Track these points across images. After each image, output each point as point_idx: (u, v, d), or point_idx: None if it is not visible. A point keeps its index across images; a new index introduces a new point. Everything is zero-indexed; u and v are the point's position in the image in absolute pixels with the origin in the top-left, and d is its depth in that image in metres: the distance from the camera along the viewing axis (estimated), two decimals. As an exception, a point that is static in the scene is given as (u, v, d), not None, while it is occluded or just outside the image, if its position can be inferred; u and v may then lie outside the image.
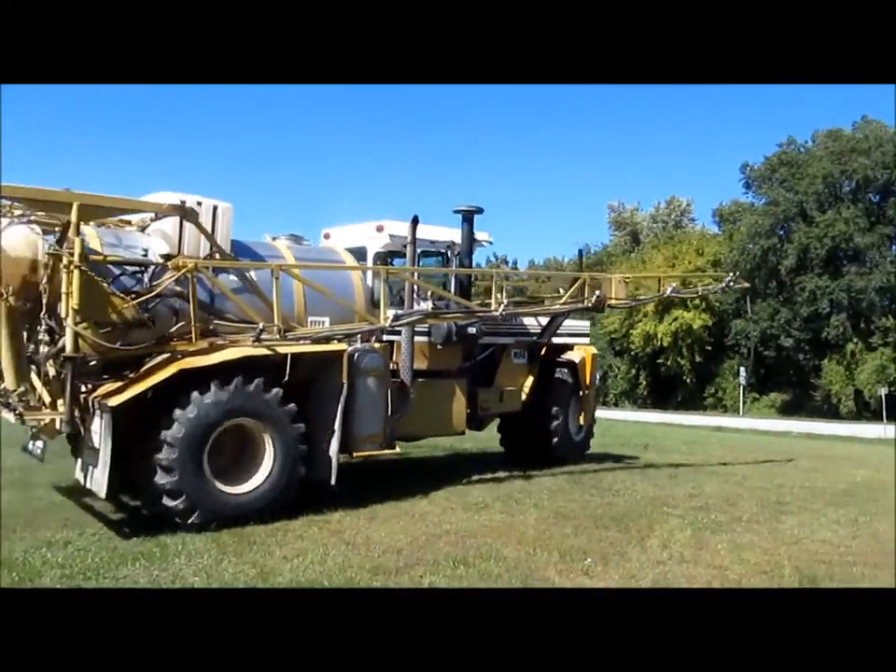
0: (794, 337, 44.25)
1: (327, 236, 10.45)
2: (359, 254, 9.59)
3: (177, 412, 7.05)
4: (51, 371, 7.02)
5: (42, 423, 6.87)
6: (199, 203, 7.75)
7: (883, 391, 33.84)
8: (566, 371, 11.55)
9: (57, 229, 7.09)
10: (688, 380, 47.20)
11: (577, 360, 11.63)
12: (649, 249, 55.81)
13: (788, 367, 47.23)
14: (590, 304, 11.23)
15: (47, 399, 6.94)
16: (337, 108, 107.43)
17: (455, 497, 8.27)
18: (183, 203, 7.60)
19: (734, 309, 44.36)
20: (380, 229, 9.89)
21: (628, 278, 12.75)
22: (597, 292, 11.30)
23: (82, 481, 7.34)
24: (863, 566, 5.96)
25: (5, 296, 6.79)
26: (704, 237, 54.38)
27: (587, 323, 13.42)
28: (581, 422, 11.58)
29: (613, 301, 11.69)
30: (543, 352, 11.41)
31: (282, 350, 7.80)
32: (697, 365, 47.22)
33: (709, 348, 47.15)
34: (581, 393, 11.57)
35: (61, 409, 6.78)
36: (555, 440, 11.03)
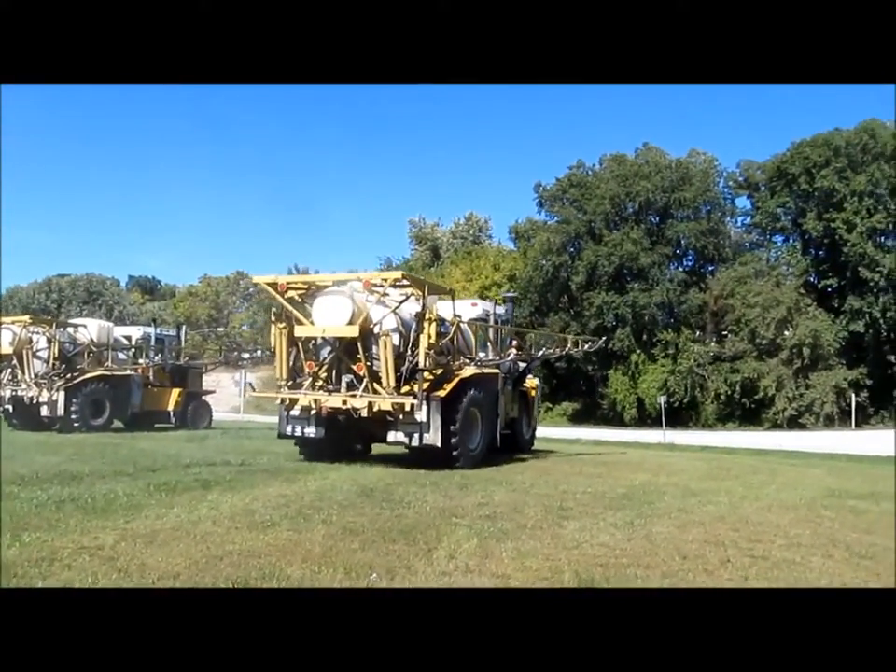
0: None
1: (474, 304, 16.52)
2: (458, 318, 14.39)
3: (461, 405, 12.93)
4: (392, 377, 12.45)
5: (395, 405, 12.29)
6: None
7: (662, 399, 36.15)
8: (524, 394, 17.17)
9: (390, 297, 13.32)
10: (486, 392, 48.37)
11: (529, 387, 17.61)
12: (448, 264, 56.92)
13: (578, 377, 49.62)
14: (564, 353, 20.70)
15: (390, 390, 12.43)
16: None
17: (241, 515, 7.90)
18: (451, 288, 15.41)
19: (528, 323, 46.06)
20: (474, 304, 16.33)
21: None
22: (567, 345, 19.98)
23: (409, 441, 12.62)
24: (637, 567, 6.16)
25: (390, 335, 12.33)
26: (500, 253, 56.13)
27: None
28: (529, 426, 17.73)
29: (572, 352, 21.35)
30: (518, 382, 16.72)
31: (486, 370, 14.41)
32: (494, 377, 48.46)
33: (506, 360, 48.49)
34: (530, 408, 17.66)
35: (406, 397, 12.41)
36: (522, 437, 16.97)
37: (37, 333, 21.99)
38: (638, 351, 46.69)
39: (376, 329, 12.64)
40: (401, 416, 12.43)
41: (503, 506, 8.92)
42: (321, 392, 13.06)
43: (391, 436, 12.80)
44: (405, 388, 12.63)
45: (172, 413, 24.70)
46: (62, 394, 21.01)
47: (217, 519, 7.73)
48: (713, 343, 48.12)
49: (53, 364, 21.45)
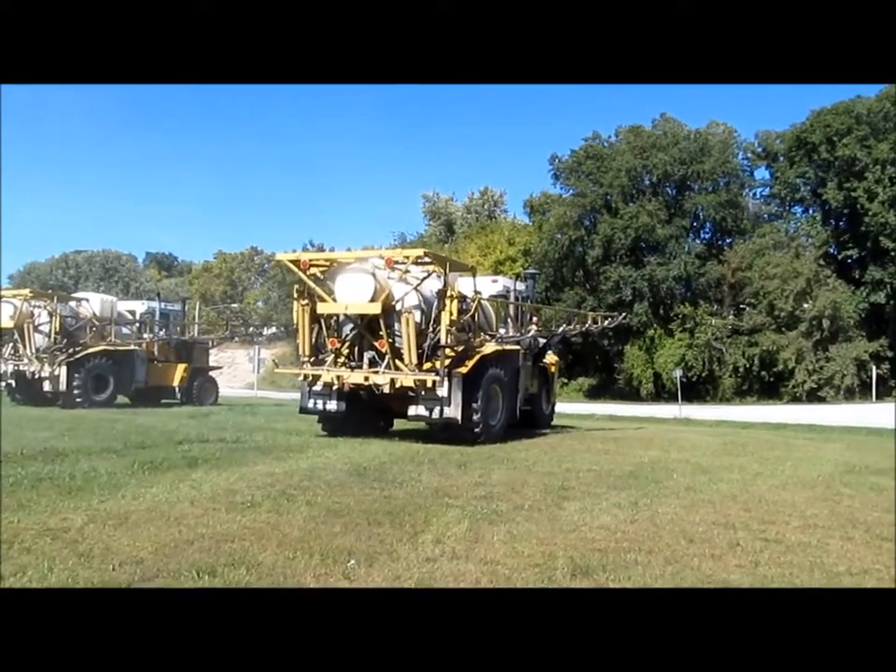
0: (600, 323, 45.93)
1: (495, 281, 16.84)
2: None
3: (482, 381, 12.99)
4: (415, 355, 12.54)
5: (417, 381, 12.41)
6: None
7: (678, 374, 35.51)
8: (543, 370, 17.23)
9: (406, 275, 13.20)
10: (502, 367, 47.95)
11: (549, 363, 17.65)
12: (462, 239, 56.31)
13: (594, 352, 48.99)
14: (584, 330, 21.03)
15: (412, 367, 12.55)
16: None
17: (222, 495, 7.49)
18: (472, 265, 16.16)
19: (543, 298, 45.38)
20: (494, 281, 16.54)
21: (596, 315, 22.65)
22: (587, 322, 20.60)
23: (429, 415, 12.75)
24: (638, 552, 5.72)
25: (412, 312, 12.46)
26: (515, 227, 55.42)
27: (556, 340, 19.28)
28: (549, 402, 17.89)
29: (591, 328, 21.19)
30: (538, 358, 16.83)
31: (506, 347, 14.52)
32: (510, 352, 48.04)
33: (521, 335, 48.04)
34: (549, 384, 17.79)
35: (428, 374, 12.50)
36: (541, 413, 17.09)
37: (39, 307, 21.68)
38: (655, 325, 46.00)
39: (398, 306, 12.81)
40: (423, 392, 12.57)
41: (501, 485, 8.46)
42: (343, 368, 13.26)
43: (412, 411, 12.94)
44: (427, 365, 12.74)
45: (177, 389, 24.45)
46: (63, 369, 20.72)
47: (196, 499, 7.34)
48: (731, 317, 47.24)
49: (55, 338, 21.14)
